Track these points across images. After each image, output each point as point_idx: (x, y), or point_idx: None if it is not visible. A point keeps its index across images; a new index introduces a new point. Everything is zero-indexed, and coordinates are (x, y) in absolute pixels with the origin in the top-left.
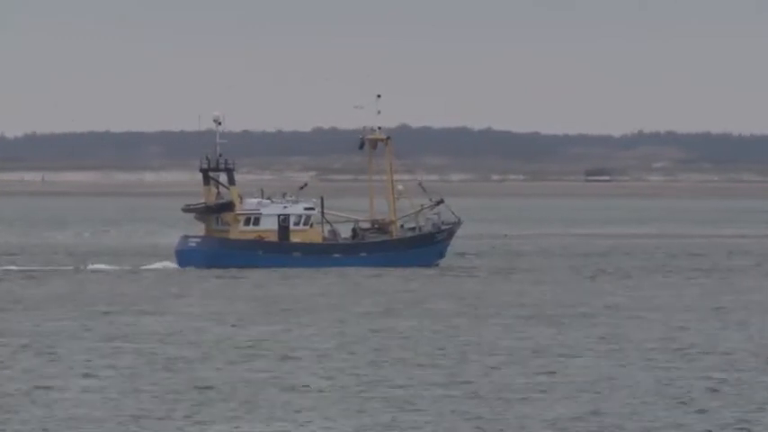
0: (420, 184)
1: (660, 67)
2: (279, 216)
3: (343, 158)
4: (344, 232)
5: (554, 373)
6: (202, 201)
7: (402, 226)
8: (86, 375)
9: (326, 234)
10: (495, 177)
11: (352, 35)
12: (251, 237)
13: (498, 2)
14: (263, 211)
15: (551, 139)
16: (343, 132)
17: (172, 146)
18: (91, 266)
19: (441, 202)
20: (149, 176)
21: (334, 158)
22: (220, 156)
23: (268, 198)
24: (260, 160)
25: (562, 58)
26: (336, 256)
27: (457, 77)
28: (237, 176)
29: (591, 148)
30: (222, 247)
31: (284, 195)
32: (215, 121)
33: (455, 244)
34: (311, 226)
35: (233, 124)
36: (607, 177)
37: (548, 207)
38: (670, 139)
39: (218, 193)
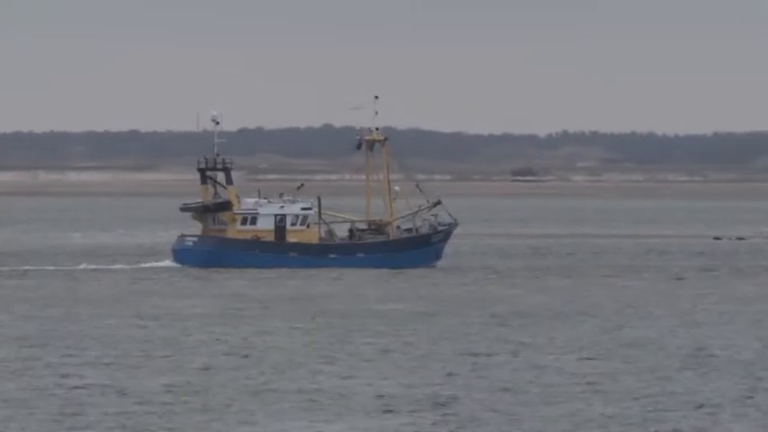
0: (417, 185)
1: (584, 67)
2: (276, 216)
3: (272, 159)
4: (341, 233)
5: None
6: (199, 200)
7: (398, 227)
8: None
9: (323, 234)
10: (420, 177)
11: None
12: (248, 236)
13: (408, 1)
14: (261, 210)
15: (476, 139)
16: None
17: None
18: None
19: (438, 203)
20: (72, 176)
21: (263, 158)
22: (218, 155)
23: (265, 198)
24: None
25: (486, 57)
26: (333, 256)
27: (381, 77)
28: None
29: (516, 147)
30: (219, 247)
31: (281, 195)
32: (213, 120)
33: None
34: (308, 226)
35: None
36: (533, 177)
37: (474, 207)
38: (594, 138)
39: (216, 192)
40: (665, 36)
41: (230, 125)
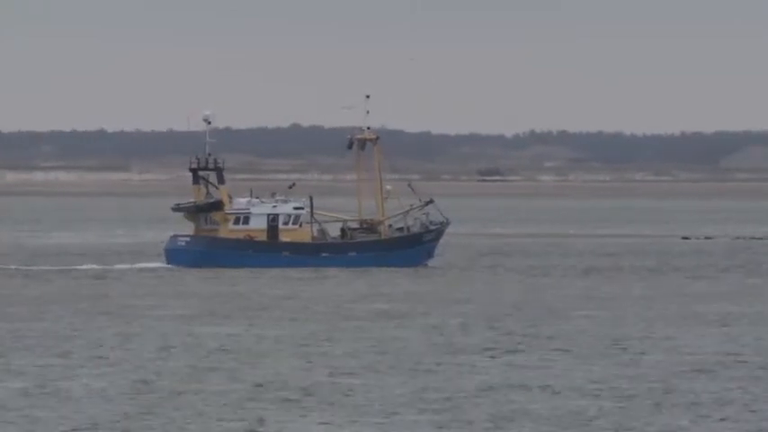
0: (409, 184)
1: (552, 67)
2: (268, 215)
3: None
4: (333, 232)
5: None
6: (191, 200)
7: (390, 226)
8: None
9: (316, 234)
10: (389, 176)
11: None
12: (240, 236)
13: (381, 2)
14: (253, 210)
15: (443, 139)
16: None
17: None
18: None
19: (430, 202)
20: (39, 176)
21: (232, 158)
22: (209, 155)
23: (257, 197)
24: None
25: (453, 57)
26: (325, 255)
27: (349, 76)
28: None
29: (483, 147)
30: (211, 247)
31: (273, 195)
32: (204, 120)
33: None
34: (300, 225)
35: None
36: (499, 177)
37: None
38: (562, 138)
39: (208, 192)
40: (632, 36)
41: (201, 125)
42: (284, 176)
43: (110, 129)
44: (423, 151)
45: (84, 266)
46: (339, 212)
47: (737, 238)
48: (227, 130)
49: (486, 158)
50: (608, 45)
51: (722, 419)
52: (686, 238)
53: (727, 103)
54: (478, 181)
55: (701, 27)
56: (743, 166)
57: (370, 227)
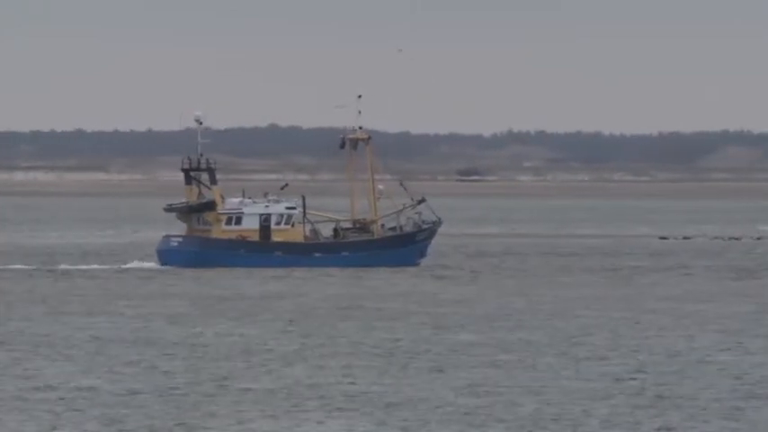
0: (401, 183)
1: (530, 67)
2: (260, 216)
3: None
4: (326, 232)
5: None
6: (184, 200)
7: (383, 225)
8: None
9: (308, 233)
10: (364, 177)
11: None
12: (233, 236)
13: (359, 2)
14: (245, 210)
15: (422, 139)
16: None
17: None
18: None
19: (422, 201)
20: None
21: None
22: (201, 155)
23: (250, 198)
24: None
25: (431, 57)
26: (318, 255)
27: (326, 76)
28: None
29: (461, 147)
30: (204, 247)
31: (266, 195)
32: (196, 120)
33: None
34: (293, 225)
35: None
36: (478, 177)
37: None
38: (540, 138)
39: (200, 192)
40: (611, 36)
41: (176, 124)
42: (262, 177)
43: (88, 129)
44: (401, 151)
45: (85, 266)
46: (326, 212)
47: (716, 238)
48: (208, 130)
49: (465, 158)
50: (587, 45)
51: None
52: (664, 238)
53: (705, 104)
54: (457, 181)
55: (678, 28)
56: (720, 165)
57: (362, 226)
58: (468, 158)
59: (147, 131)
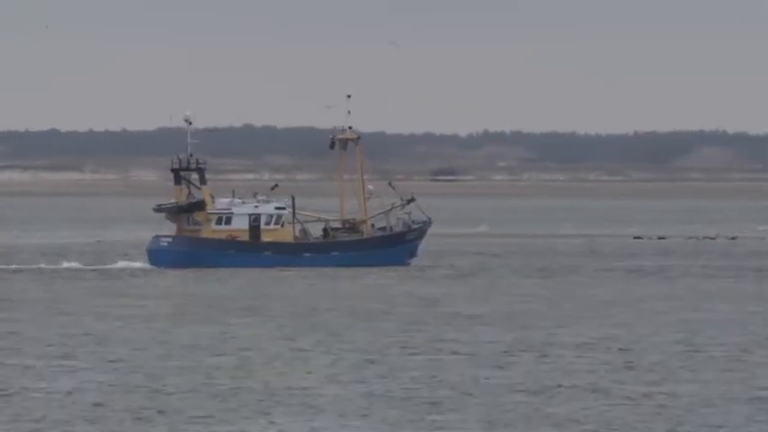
0: (390, 183)
1: (506, 67)
2: (250, 216)
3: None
4: (315, 232)
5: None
6: (173, 200)
7: (373, 225)
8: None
9: (298, 233)
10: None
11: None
12: (223, 236)
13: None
14: (235, 210)
15: (397, 139)
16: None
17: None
18: None
19: (411, 200)
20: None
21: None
22: (191, 155)
23: (239, 198)
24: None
25: (407, 56)
26: (307, 255)
27: (301, 75)
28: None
29: (437, 147)
30: (194, 247)
31: (255, 195)
32: (186, 120)
33: None
34: (282, 225)
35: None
36: (453, 177)
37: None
38: (516, 138)
39: (190, 192)
40: (587, 36)
41: (148, 124)
42: (238, 177)
43: (62, 128)
44: (377, 151)
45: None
46: (315, 211)
47: (690, 237)
48: (179, 130)
49: (441, 158)
50: (563, 46)
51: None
52: (638, 237)
53: (681, 103)
54: (431, 181)
55: (652, 28)
56: (695, 165)
57: (352, 226)
58: (445, 158)
59: (121, 131)
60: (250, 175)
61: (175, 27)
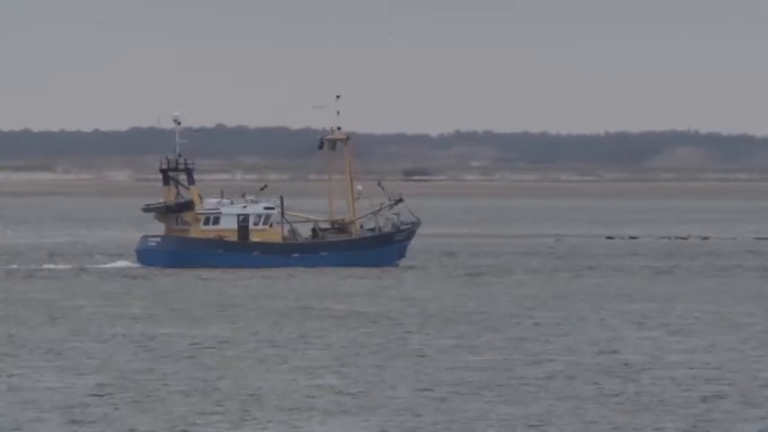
0: (379, 183)
1: (476, 67)
2: (239, 216)
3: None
4: (304, 232)
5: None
6: (161, 200)
7: (361, 226)
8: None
9: (286, 234)
10: (312, 177)
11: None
12: (211, 236)
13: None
14: (223, 210)
15: (368, 139)
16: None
17: None
18: None
19: (400, 200)
20: None
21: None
22: (179, 156)
23: (228, 198)
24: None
25: (377, 56)
26: (296, 255)
27: (274, 76)
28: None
29: (408, 147)
30: (182, 247)
31: (244, 195)
32: (174, 120)
33: None
34: (271, 225)
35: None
36: (425, 177)
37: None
38: (487, 138)
39: (178, 192)
40: (559, 40)
41: (121, 125)
42: (213, 177)
43: (35, 128)
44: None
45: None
46: (302, 211)
47: (662, 237)
48: (152, 129)
49: (413, 158)
50: (534, 46)
51: None
52: (611, 237)
53: (652, 103)
54: (403, 180)
55: (627, 28)
56: (667, 166)
57: (341, 227)
58: (416, 158)
59: (93, 131)
60: (225, 175)
61: (160, 28)
